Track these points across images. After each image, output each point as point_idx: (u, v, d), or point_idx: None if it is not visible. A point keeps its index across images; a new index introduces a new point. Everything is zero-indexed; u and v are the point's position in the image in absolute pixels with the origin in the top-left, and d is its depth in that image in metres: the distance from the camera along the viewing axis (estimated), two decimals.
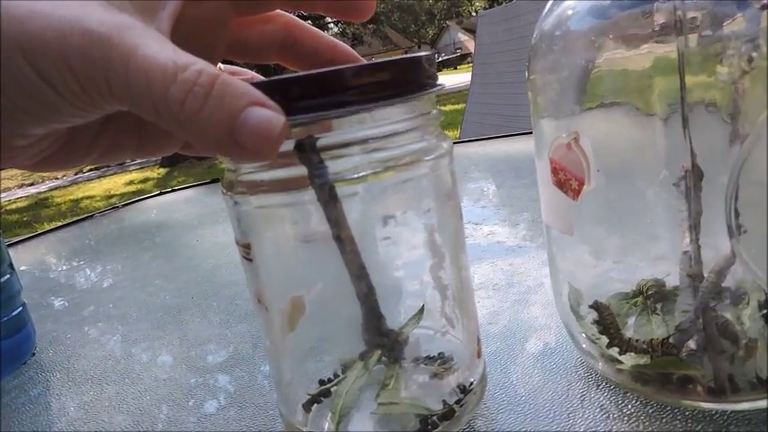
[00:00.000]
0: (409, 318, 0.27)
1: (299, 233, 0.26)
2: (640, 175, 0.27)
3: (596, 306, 0.27)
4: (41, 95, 0.17)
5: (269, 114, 0.18)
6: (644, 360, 0.27)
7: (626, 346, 0.27)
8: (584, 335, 0.30)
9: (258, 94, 0.18)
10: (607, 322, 0.27)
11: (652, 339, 0.26)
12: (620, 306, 0.30)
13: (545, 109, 0.28)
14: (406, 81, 0.23)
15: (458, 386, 0.26)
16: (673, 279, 0.29)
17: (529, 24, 3.09)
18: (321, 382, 0.28)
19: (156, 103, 0.17)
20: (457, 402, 0.26)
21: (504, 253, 0.50)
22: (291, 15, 0.28)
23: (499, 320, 0.38)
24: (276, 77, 0.21)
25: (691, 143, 0.24)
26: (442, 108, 0.30)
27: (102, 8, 0.18)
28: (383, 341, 0.26)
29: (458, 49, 18.84)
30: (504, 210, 0.63)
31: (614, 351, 0.27)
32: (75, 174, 7.65)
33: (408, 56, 0.23)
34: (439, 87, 0.24)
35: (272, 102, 0.19)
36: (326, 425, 0.27)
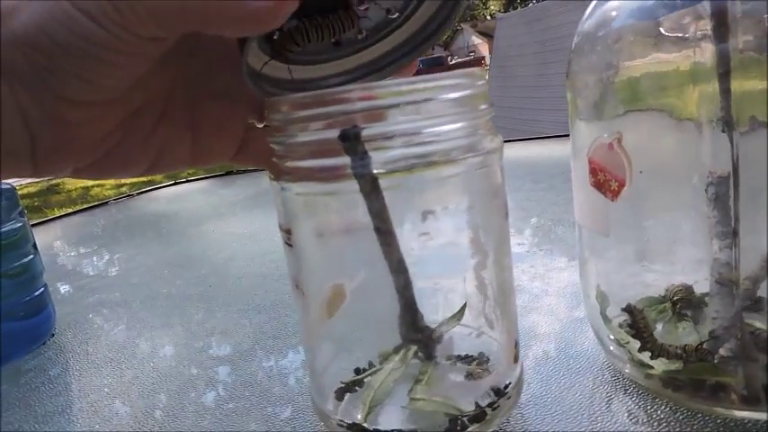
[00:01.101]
0: (449, 316, 0.27)
1: (338, 222, 0.26)
2: (673, 180, 0.27)
3: (629, 309, 0.27)
4: (84, 29, 0.20)
5: None
6: (676, 366, 0.26)
7: (658, 350, 0.26)
8: (611, 338, 0.30)
9: None
10: (640, 326, 0.27)
11: (686, 345, 0.26)
12: (648, 311, 0.30)
13: (584, 110, 0.28)
14: None
15: (492, 389, 0.26)
16: (701, 286, 0.28)
17: (549, 28, 3.07)
18: (357, 372, 0.28)
19: None
20: (489, 405, 0.25)
21: (526, 256, 0.50)
22: None
23: (524, 322, 0.37)
24: None
25: (735, 148, 0.24)
26: None
27: None
28: (417, 336, 0.26)
29: (471, 52, 18.78)
30: (524, 213, 0.63)
31: (645, 356, 0.27)
32: None
33: None
34: None
35: None
36: (357, 415, 0.26)
